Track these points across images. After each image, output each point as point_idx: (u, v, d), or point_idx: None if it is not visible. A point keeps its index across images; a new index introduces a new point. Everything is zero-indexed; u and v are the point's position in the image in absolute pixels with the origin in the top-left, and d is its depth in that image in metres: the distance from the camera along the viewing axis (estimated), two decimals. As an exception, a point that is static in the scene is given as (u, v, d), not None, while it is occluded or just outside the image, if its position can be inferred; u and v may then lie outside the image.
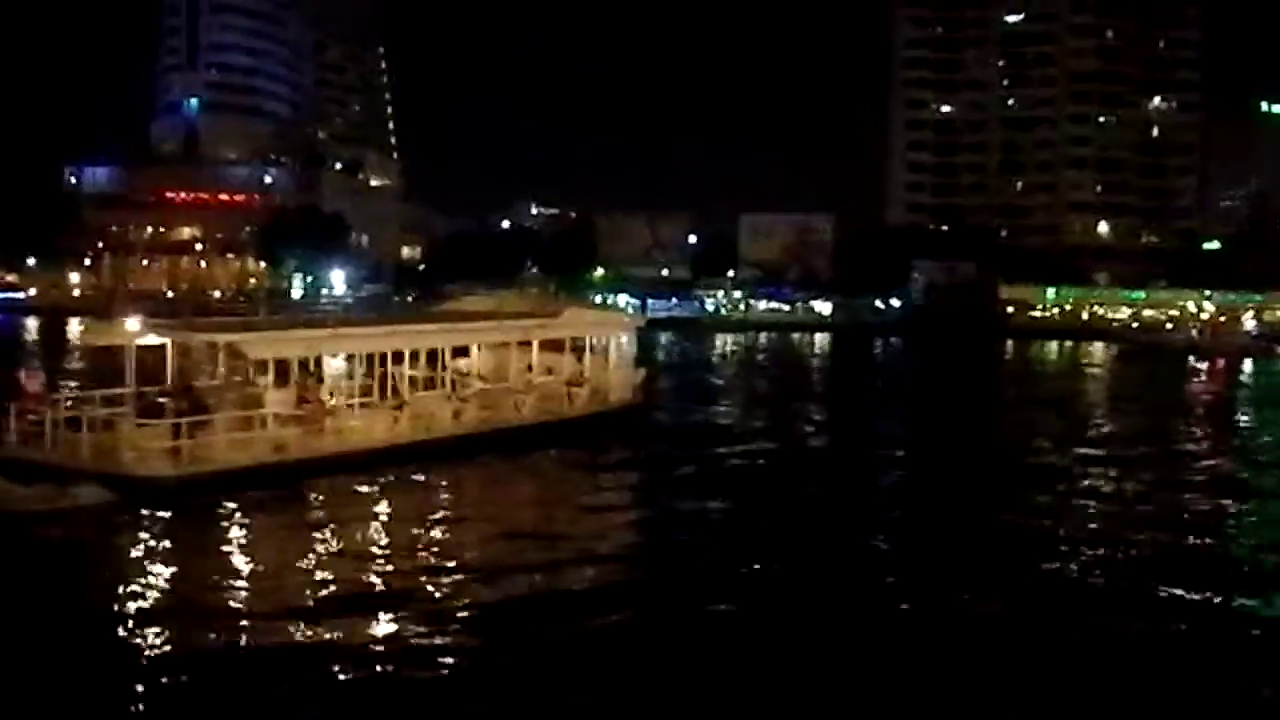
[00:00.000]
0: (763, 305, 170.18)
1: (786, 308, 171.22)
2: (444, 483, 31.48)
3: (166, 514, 26.22)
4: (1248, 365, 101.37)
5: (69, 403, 30.73)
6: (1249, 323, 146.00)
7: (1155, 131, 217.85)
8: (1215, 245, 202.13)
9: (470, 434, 35.17)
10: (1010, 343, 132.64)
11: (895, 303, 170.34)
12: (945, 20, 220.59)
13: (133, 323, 30.96)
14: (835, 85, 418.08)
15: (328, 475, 29.91)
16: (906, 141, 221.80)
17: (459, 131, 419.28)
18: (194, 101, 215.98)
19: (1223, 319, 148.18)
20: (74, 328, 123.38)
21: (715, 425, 47.19)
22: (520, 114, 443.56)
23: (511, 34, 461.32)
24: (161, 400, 30.54)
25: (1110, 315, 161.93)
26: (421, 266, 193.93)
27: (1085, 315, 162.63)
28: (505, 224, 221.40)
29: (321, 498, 28.81)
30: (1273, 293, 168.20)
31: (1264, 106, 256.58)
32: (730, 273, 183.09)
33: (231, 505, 27.17)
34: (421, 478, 31.41)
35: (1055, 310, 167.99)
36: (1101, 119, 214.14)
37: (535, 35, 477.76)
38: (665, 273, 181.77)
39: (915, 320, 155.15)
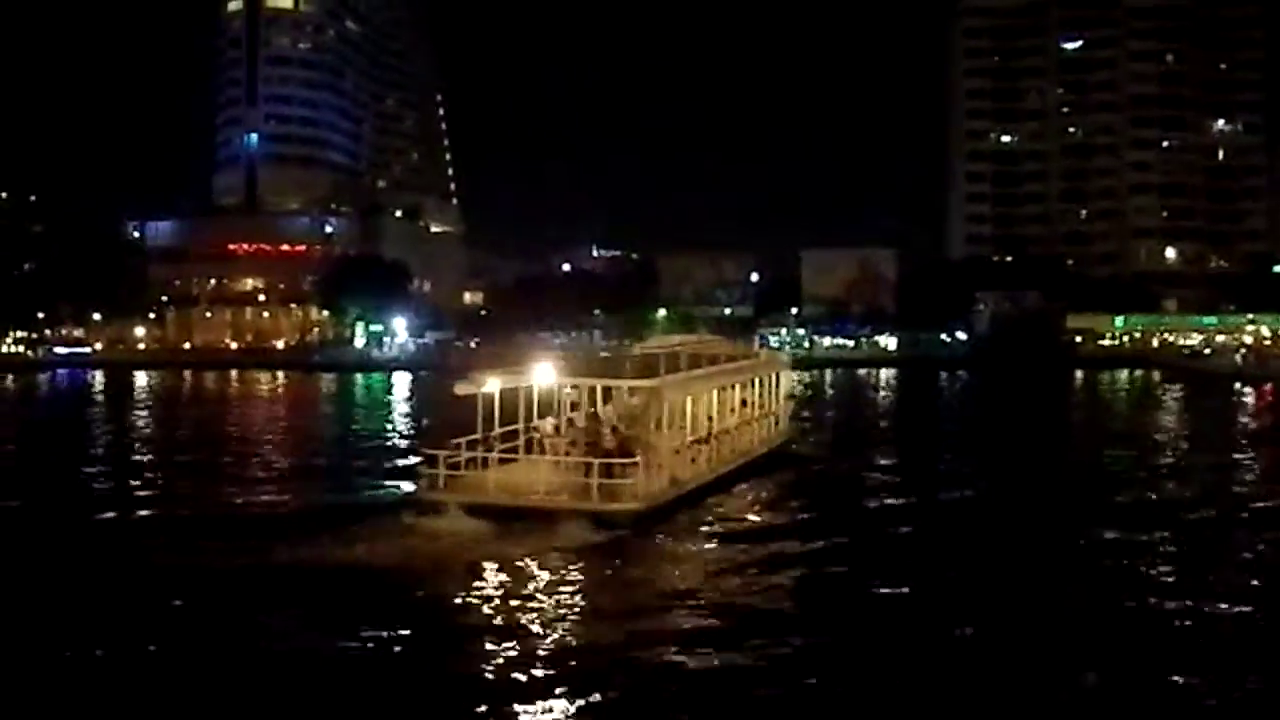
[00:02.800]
0: (827, 341, 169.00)
1: (851, 343, 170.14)
2: (766, 497, 36.14)
3: (660, 539, 29.15)
4: None
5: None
6: None
7: (1220, 154, 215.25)
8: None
9: (738, 465, 38.10)
10: (1079, 373, 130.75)
11: (961, 335, 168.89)
12: (1003, 50, 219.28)
13: (546, 368, 33.29)
14: (893, 118, 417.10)
15: (695, 503, 32.88)
16: (967, 172, 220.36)
17: (518, 176, 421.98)
18: (253, 137, 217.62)
19: (1266, 342, 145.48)
20: (140, 380, 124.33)
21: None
22: (578, 156, 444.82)
23: (568, 78, 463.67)
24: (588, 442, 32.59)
25: (1180, 342, 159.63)
26: (484, 311, 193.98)
27: (1155, 342, 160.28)
28: (566, 267, 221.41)
29: (717, 519, 32.10)
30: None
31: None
32: (793, 310, 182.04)
33: (681, 530, 30.30)
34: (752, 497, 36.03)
35: (1124, 338, 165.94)
36: (1165, 143, 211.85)
37: (592, 78, 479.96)
38: (728, 311, 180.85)
39: (981, 353, 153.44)
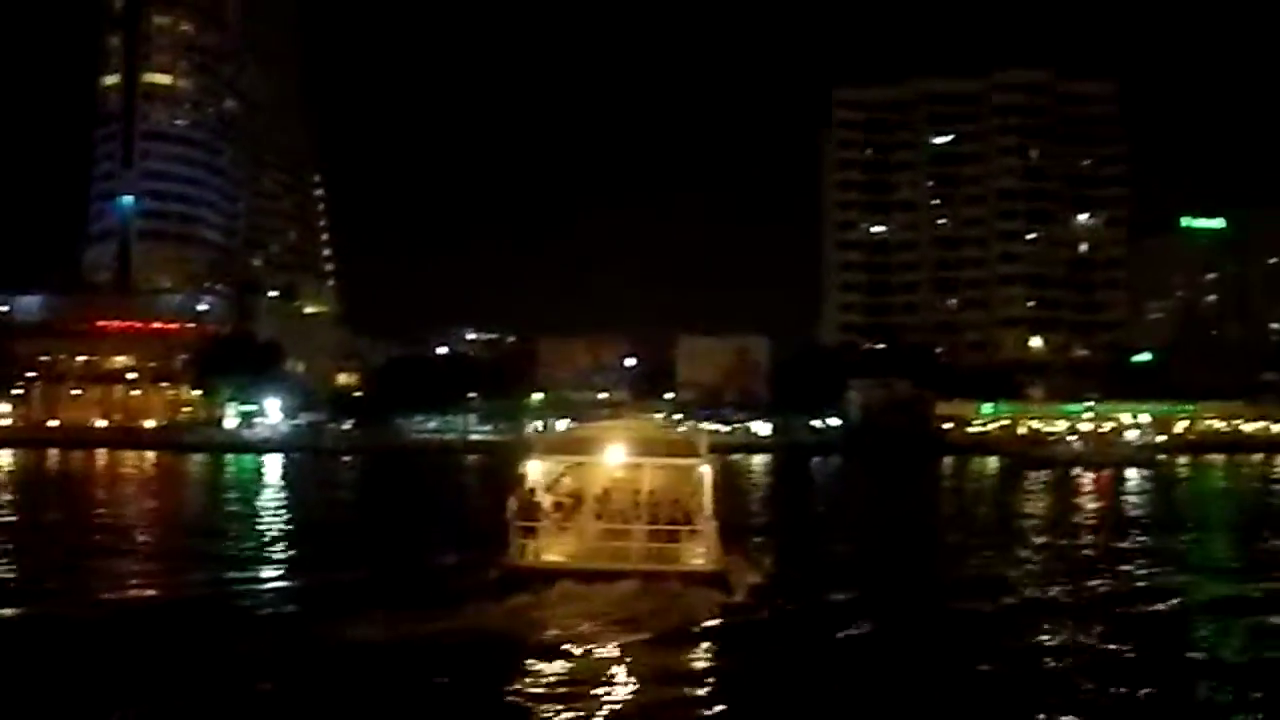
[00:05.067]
0: (701, 427, 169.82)
1: (725, 429, 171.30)
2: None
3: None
4: (1133, 475, 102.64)
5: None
6: (1131, 433, 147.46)
7: (1083, 247, 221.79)
8: (1145, 357, 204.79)
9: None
10: (949, 459, 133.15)
11: (833, 421, 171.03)
12: (875, 142, 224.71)
13: (619, 449, 34.45)
14: (769, 208, 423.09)
15: None
16: (839, 262, 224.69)
17: (395, 257, 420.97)
18: (126, 201, 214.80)
19: (1105, 430, 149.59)
20: (3, 459, 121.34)
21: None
22: (457, 239, 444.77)
23: (447, 161, 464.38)
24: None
25: (1046, 429, 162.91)
26: (359, 394, 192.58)
27: (1023, 429, 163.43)
28: (443, 350, 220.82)
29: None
30: (1203, 402, 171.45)
31: (1186, 221, 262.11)
32: (669, 395, 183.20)
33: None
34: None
35: (992, 425, 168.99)
36: (1031, 236, 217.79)
37: (473, 161, 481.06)
38: (604, 396, 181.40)
39: (853, 439, 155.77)
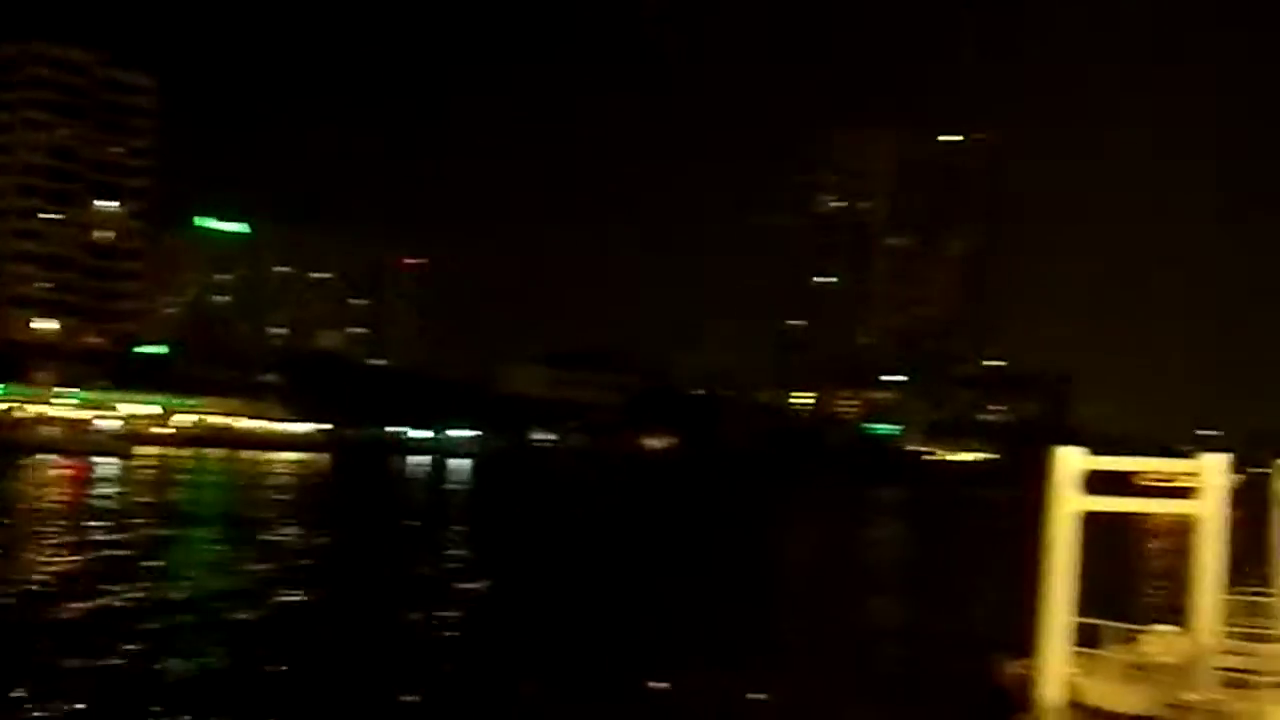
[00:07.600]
0: None
1: None
2: None
3: None
4: (106, 462, 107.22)
5: None
6: (106, 423, 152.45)
7: (103, 234, 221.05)
8: (158, 349, 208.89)
9: None
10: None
11: None
12: None
13: None
14: None
15: None
16: None
17: None
18: None
19: (83, 417, 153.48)
20: None
21: None
22: None
23: None
24: None
25: (51, 414, 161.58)
26: None
27: (31, 411, 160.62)
28: None
29: None
30: (207, 397, 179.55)
31: (201, 221, 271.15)
32: None
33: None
34: None
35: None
36: (50, 216, 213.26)
37: None
38: None
39: None
